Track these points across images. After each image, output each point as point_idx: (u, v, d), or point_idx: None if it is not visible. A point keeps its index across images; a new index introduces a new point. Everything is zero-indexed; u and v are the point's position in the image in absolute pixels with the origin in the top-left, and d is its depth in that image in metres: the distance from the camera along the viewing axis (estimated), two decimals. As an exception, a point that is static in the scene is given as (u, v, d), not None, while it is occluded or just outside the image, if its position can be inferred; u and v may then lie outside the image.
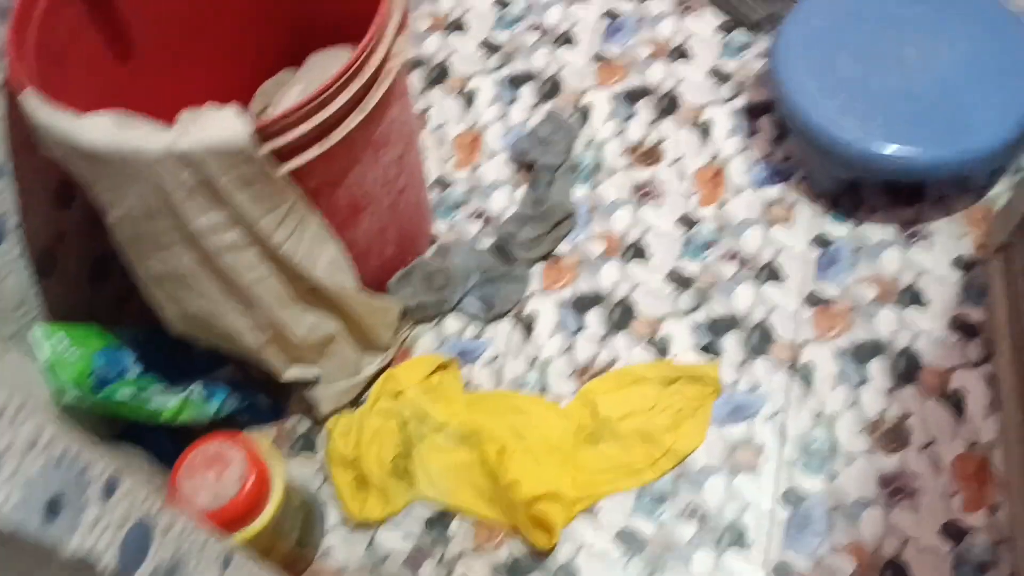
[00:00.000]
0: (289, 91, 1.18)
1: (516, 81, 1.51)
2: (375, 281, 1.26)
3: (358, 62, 0.96)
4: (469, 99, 1.50)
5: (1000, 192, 1.33)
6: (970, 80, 1.26)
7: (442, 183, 1.42)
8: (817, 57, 1.31)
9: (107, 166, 0.92)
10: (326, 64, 1.21)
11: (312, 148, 0.96)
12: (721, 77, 1.48)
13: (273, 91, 1.29)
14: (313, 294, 1.10)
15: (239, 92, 1.33)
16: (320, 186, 1.02)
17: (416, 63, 1.54)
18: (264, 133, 0.92)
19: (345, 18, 1.24)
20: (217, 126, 0.91)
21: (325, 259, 1.07)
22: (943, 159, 1.22)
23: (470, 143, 1.46)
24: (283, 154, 0.95)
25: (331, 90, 0.95)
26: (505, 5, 1.59)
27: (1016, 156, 1.32)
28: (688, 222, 1.35)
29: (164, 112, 1.25)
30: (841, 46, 1.31)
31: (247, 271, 1.01)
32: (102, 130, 0.91)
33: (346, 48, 1.24)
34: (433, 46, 1.56)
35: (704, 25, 1.53)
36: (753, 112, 1.44)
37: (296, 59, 1.31)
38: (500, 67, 1.53)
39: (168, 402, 1.09)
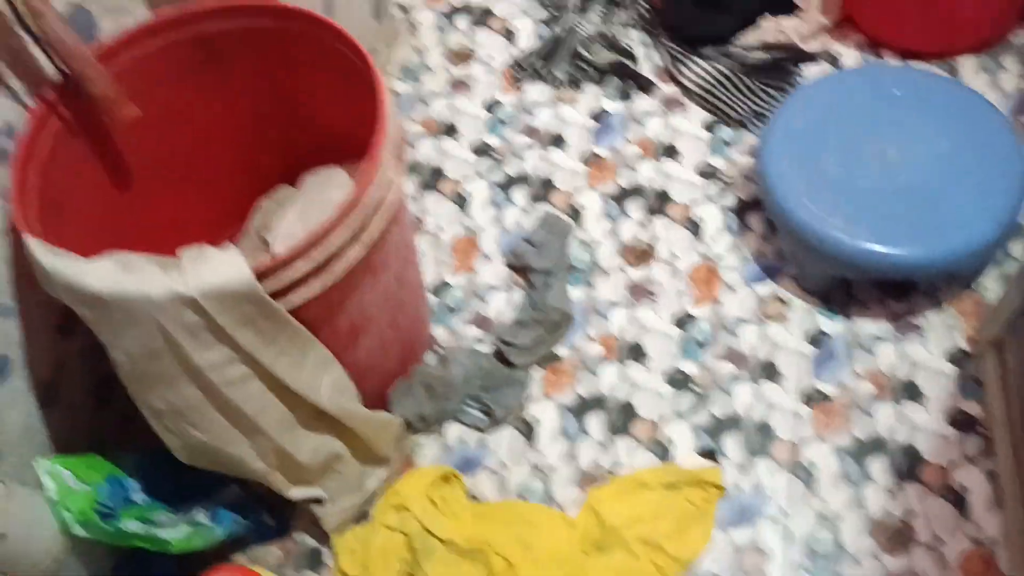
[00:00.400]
0: (285, 215, 1.21)
1: (509, 184, 1.54)
2: (377, 394, 1.27)
3: (355, 200, 0.98)
4: (463, 203, 1.53)
5: (988, 284, 1.35)
6: (952, 177, 1.29)
7: (439, 288, 1.44)
8: (802, 158, 1.34)
9: (111, 309, 0.93)
10: (322, 186, 1.24)
11: (312, 283, 0.98)
12: (709, 175, 1.51)
13: (271, 209, 1.31)
14: (317, 417, 1.11)
15: (236, 209, 1.36)
16: (320, 315, 1.04)
17: (410, 168, 1.57)
18: (265, 273, 0.94)
19: (340, 137, 1.27)
20: (219, 268, 0.92)
21: (328, 384, 1.08)
22: (930, 258, 1.24)
23: (466, 247, 1.48)
24: (283, 291, 0.96)
25: (330, 229, 0.96)
26: (495, 108, 1.63)
27: (1002, 248, 1.34)
28: (684, 321, 1.37)
29: (163, 232, 1.28)
30: (825, 146, 1.34)
31: (251, 402, 1.02)
32: (106, 274, 0.93)
33: (341, 168, 1.27)
34: (426, 150, 1.59)
35: (689, 123, 1.57)
36: (742, 209, 1.47)
37: (292, 174, 1.34)
38: (492, 170, 1.56)
39: (177, 532, 1.09)
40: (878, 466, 1.23)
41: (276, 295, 0.96)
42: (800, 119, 1.38)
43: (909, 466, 1.22)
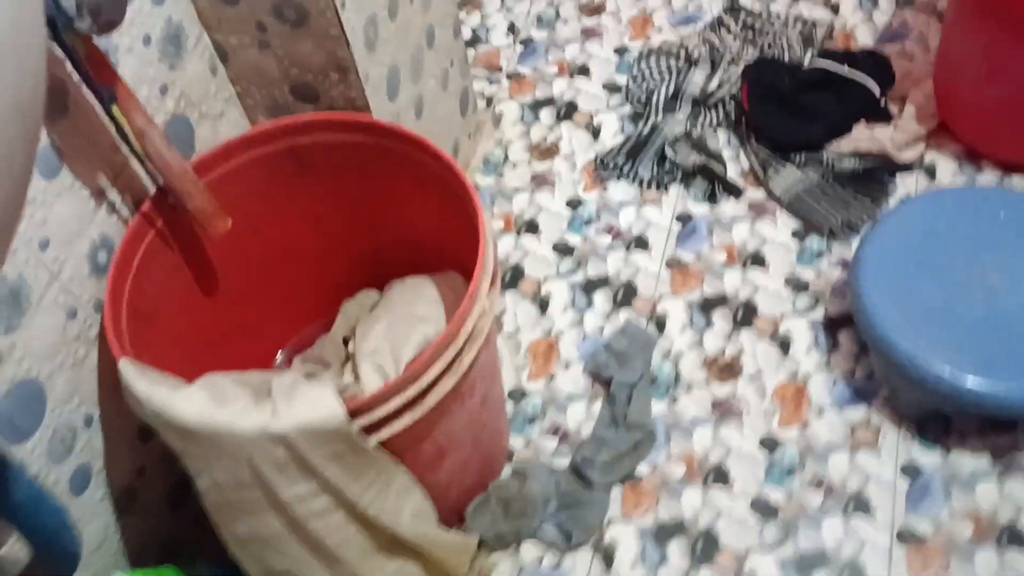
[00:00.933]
0: (372, 328, 1.19)
1: (590, 286, 1.51)
2: (453, 511, 1.25)
3: (451, 334, 0.96)
4: (543, 305, 1.50)
5: (1098, 421, 1.28)
6: (1063, 312, 1.23)
7: (517, 395, 1.41)
8: (899, 280, 1.29)
9: (200, 440, 0.92)
10: (410, 299, 1.22)
11: (403, 417, 0.96)
12: (798, 286, 1.47)
13: (355, 315, 1.30)
14: (394, 543, 1.08)
15: (320, 306, 1.35)
16: (407, 444, 1.01)
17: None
18: (357, 411, 0.92)
19: (430, 247, 1.26)
20: (311, 405, 0.91)
21: (409, 510, 1.06)
22: (1040, 398, 1.18)
23: (545, 351, 1.45)
24: (374, 426, 0.94)
25: (425, 366, 0.94)
26: (577, 206, 1.61)
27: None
28: (771, 444, 1.32)
29: (248, 331, 1.28)
30: (923, 269, 1.29)
31: (333, 533, 1.00)
32: (197, 406, 0.92)
33: (427, 278, 1.25)
34: (506, 247, 1.57)
35: (777, 231, 1.53)
36: (832, 325, 1.42)
37: (379, 278, 1.33)
38: (574, 271, 1.53)
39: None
40: (978, 617, 1.16)
41: (366, 430, 0.94)
42: (896, 239, 1.33)
43: (1012, 619, 1.15)
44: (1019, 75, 1.39)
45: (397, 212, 1.25)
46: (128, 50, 1.05)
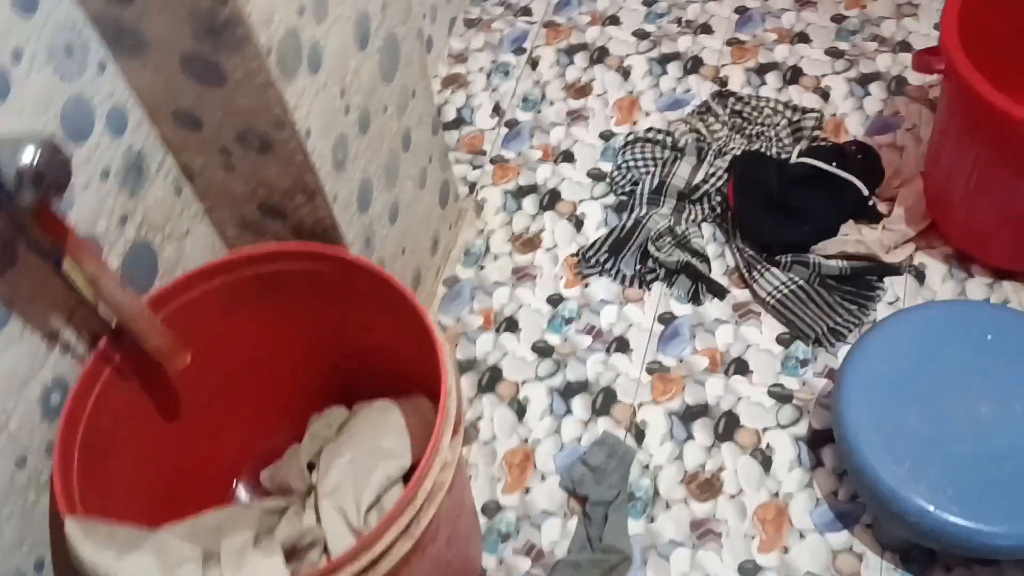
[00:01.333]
0: (334, 461, 1.15)
1: (569, 391, 1.48)
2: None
3: (407, 498, 0.93)
4: (521, 410, 1.47)
5: (1087, 555, 1.24)
6: (1051, 448, 1.19)
7: (491, 508, 1.38)
8: (883, 406, 1.25)
9: (147, 611, 0.89)
10: (374, 429, 1.18)
11: (358, 583, 0.92)
12: (781, 397, 1.43)
13: (322, 434, 1.26)
14: None
15: (285, 422, 1.32)
16: (365, 601, 0.98)
17: (468, 364, 1.52)
18: (309, 584, 0.89)
19: (395, 371, 1.23)
20: (261, 579, 0.87)
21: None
22: (1025, 540, 1.15)
23: (521, 462, 1.42)
24: (328, 595, 0.91)
25: (380, 532, 0.91)
26: (558, 303, 1.57)
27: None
28: (749, 570, 1.28)
29: (209, 455, 1.24)
30: (909, 395, 1.26)
31: None
32: (143, 573, 0.88)
33: (393, 404, 1.22)
34: (485, 346, 1.54)
35: (762, 335, 1.49)
36: (816, 440, 1.38)
37: (346, 394, 1.30)
38: (553, 374, 1.50)
39: None
40: None
41: (319, 601, 0.90)
42: (882, 357, 1.30)
43: None
44: (1006, 191, 1.36)
45: (362, 337, 1.21)
46: (85, 187, 1.02)
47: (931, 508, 1.17)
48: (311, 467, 1.23)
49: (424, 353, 1.06)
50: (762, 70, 1.83)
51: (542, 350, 1.53)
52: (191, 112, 1.09)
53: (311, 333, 1.23)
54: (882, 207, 1.58)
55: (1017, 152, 1.30)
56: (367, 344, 1.22)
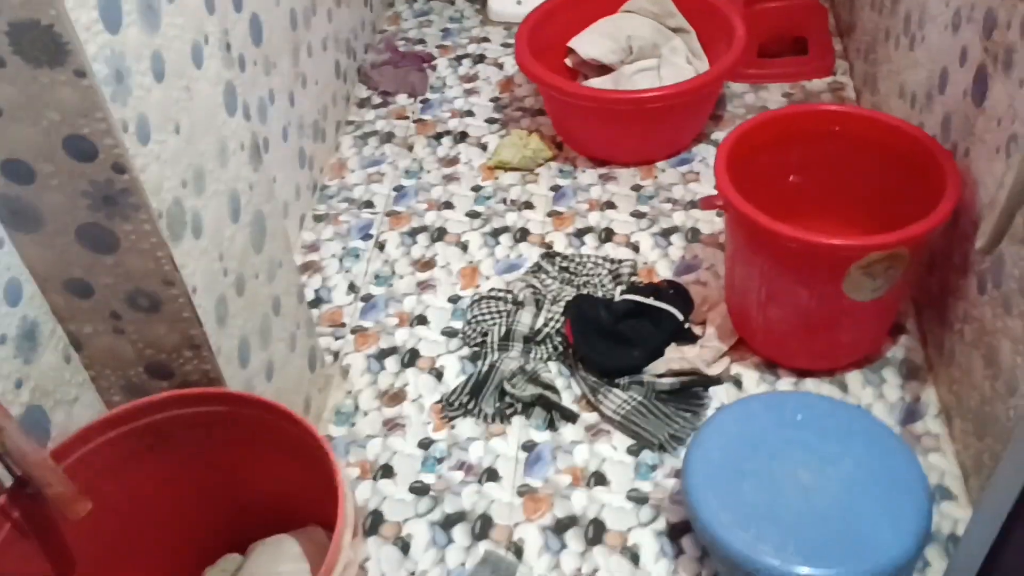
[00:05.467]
0: (238, 595, 1.21)
1: (448, 522, 1.58)
2: None
3: (318, 589, 1.01)
4: (405, 547, 1.55)
5: (913, 592, 1.43)
6: (864, 496, 1.39)
7: (387, 642, 1.43)
8: (724, 486, 1.43)
9: None
10: (272, 558, 1.25)
11: None
12: (639, 499, 1.59)
13: (217, 582, 1.31)
14: None
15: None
16: None
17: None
18: None
19: (288, 504, 1.31)
20: None
21: None
22: (859, 577, 1.32)
23: (410, 595, 1.49)
24: None
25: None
26: (429, 446, 1.70)
27: (921, 558, 1.43)
28: (634, 657, 1.39)
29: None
30: (743, 473, 1.44)
31: None
32: None
33: (289, 537, 1.29)
34: (364, 494, 1.63)
35: (614, 450, 1.67)
36: (674, 532, 1.53)
37: (240, 540, 1.36)
38: (431, 510, 1.60)
39: None
40: None
41: None
42: (715, 447, 1.49)
43: None
44: (790, 299, 1.63)
45: (254, 474, 1.30)
46: (-15, 351, 1.10)
47: (778, 563, 1.33)
48: (210, 613, 1.27)
49: (316, 475, 1.17)
50: (580, 233, 2.11)
51: (419, 489, 1.63)
52: (83, 280, 1.20)
53: (205, 480, 1.30)
54: (697, 330, 1.83)
55: (789, 262, 1.59)
56: (260, 485, 1.31)
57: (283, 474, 1.26)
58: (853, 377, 1.74)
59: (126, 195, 1.11)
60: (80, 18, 0.97)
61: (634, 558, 1.51)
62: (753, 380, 1.76)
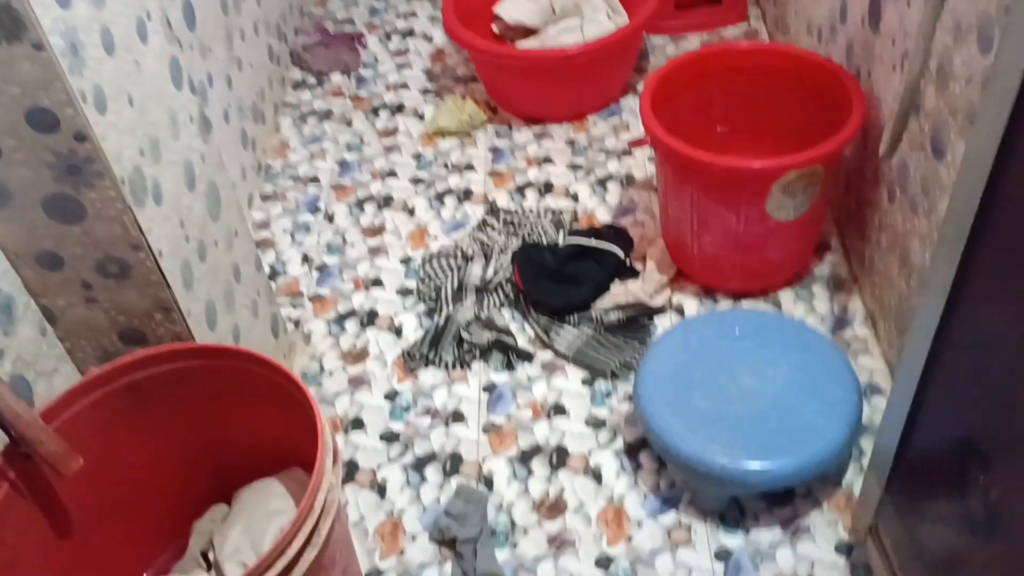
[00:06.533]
0: (229, 533, 1.28)
1: (420, 464, 1.67)
2: None
3: (307, 506, 1.09)
4: (382, 490, 1.63)
5: (851, 479, 1.55)
6: (800, 394, 1.51)
7: (374, 574, 1.51)
8: (673, 398, 1.54)
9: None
10: (260, 498, 1.33)
11: (277, 593, 1.06)
12: (597, 424, 1.69)
13: (209, 529, 1.38)
14: None
15: (174, 531, 1.42)
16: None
17: (325, 465, 1.67)
18: (235, 593, 1.01)
19: (268, 449, 1.38)
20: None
21: None
22: (799, 466, 1.44)
23: (391, 531, 1.57)
24: (251, 606, 1.04)
25: (291, 536, 1.06)
26: (395, 397, 1.78)
27: (856, 447, 1.56)
28: (605, 562, 1.49)
29: (107, 564, 1.32)
30: (690, 385, 1.56)
31: None
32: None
33: (272, 479, 1.37)
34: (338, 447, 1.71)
35: (569, 382, 1.77)
36: (632, 450, 1.64)
37: (225, 491, 1.43)
38: (403, 454, 1.68)
39: None
40: (805, 664, 1.34)
41: (244, 612, 1.03)
42: (663, 366, 1.60)
43: (831, 658, 1.34)
44: (719, 225, 1.75)
45: (235, 424, 1.37)
46: (-34, 323, 1.16)
47: (727, 461, 1.44)
48: (205, 556, 1.34)
49: (294, 417, 1.24)
50: (520, 189, 2.21)
51: (389, 437, 1.72)
52: (52, 251, 1.26)
53: (188, 434, 1.37)
54: (638, 266, 1.94)
55: (715, 189, 1.71)
56: (241, 435, 1.37)
57: (262, 420, 1.33)
58: (785, 295, 1.87)
59: (89, 163, 1.17)
60: (33, -6, 1.03)
61: (597, 477, 1.61)
62: (694, 307, 1.88)
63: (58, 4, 1.07)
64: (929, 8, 1.21)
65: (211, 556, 1.30)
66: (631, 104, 2.41)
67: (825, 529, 1.50)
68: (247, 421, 1.36)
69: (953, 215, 0.99)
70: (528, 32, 2.46)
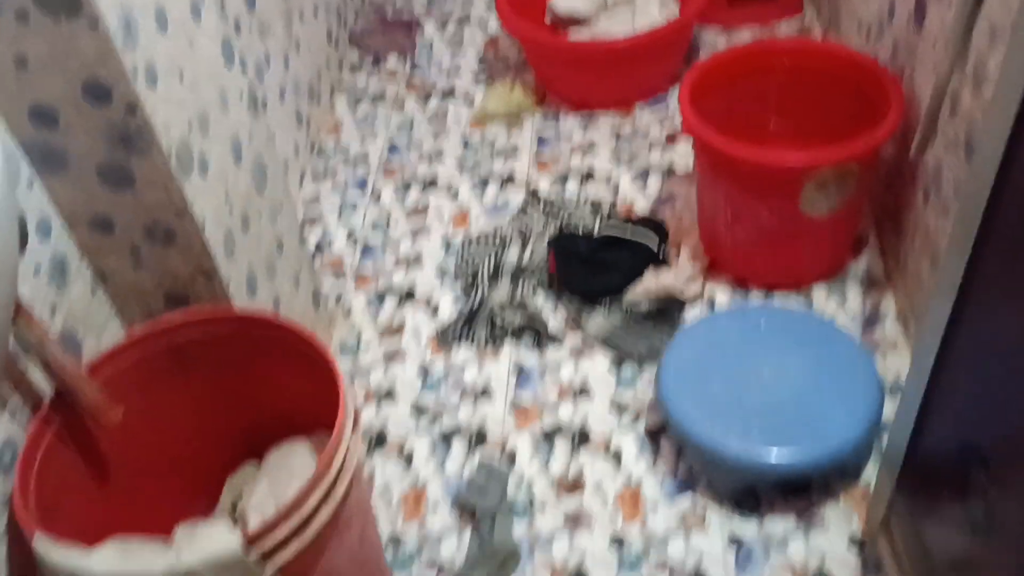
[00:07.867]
0: (256, 489, 1.35)
1: (447, 437, 1.72)
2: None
3: (324, 468, 1.15)
4: (408, 459, 1.70)
5: (870, 473, 1.56)
6: (821, 388, 1.53)
7: (396, 540, 1.57)
8: (695, 387, 1.57)
9: (116, 592, 1.05)
10: (286, 458, 1.40)
11: (291, 545, 1.12)
12: (620, 408, 1.73)
13: (239, 484, 1.45)
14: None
15: (208, 487, 1.50)
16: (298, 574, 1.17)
17: (356, 434, 1.74)
18: (252, 540, 1.08)
19: (298, 412, 1.45)
20: (212, 541, 1.06)
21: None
22: (817, 457, 1.46)
23: (415, 499, 1.63)
24: (267, 554, 1.10)
25: (306, 494, 1.12)
26: (427, 372, 1.84)
27: (877, 442, 1.57)
28: (619, 541, 1.53)
29: (146, 516, 1.40)
30: (711, 375, 1.58)
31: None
32: (109, 562, 1.06)
33: (301, 439, 1.44)
34: (368, 417, 1.77)
35: (596, 366, 1.81)
36: (653, 434, 1.68)
37: (258, 449, 1.50)
38: (431, 426, 1.74)
39: None
40: (808, 651, 1.37)
41: (262, 560, 1.09)
42: (687, 355, 1.63)
43: (834, 647, 1.36)
44: (752, 218, 1.76)
45: (269, 388, 1.44)
46: (22, 279, 1.24)
47: (744, 449, 1.47)
48: (234, 508, 1.42)
49: (322, 385, 1.30)
50: (563, 176, 2.24)
51: (419, 409, 1.78)
52: (105, 215, 1.34)
53: (225, 395, 1.44)
54: (672, 256, 1.96)
55: (748, 183, 1.72)
56: (275, 394, 1.44)
57: (292, 385, 1.40)
58: (818, 290, 1.87)
59: (140, 134, 1.24)
60: (91, -27, 1.10)
61: (616, 458, 1.65)
62: (725, 299, 1.89)
63: (114, -17, 1.15)
64: (959, 11, 1.22)
65: (239, 508, 1.38)
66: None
67: (839, 522, 1.51)
68: (279, 385, 1.42)
69: (961, 219, 1.01)
70: (581, 22, 2.49)
